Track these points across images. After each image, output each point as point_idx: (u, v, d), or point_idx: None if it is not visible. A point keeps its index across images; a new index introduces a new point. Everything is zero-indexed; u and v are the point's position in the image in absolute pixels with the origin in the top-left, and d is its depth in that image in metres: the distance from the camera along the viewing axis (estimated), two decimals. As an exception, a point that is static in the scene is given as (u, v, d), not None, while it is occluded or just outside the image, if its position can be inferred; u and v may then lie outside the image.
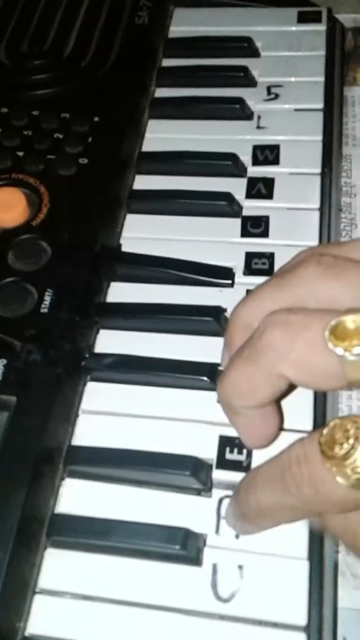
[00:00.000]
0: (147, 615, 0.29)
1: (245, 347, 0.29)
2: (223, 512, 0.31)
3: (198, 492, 0.32)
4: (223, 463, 0.32)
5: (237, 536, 0.30)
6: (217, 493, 0.32)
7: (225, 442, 0.33)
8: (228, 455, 0.32)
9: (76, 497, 0.32)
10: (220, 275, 0.39)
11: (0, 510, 0.30)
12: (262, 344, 0.27)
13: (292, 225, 0.40)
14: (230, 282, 0.38)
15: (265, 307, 0.29)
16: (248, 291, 0.37)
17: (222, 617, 0.29)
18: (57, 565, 0.30)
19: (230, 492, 0.31)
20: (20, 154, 0.43)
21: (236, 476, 0.32)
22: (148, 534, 0.30)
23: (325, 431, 0.25)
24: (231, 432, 0.33)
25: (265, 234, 0.40)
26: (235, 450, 0.32)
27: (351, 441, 0.25)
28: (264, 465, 0.28)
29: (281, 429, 0.33)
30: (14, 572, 0.29)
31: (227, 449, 0.32)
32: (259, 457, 0.32)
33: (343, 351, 0.25)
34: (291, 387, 0.29)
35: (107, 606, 0.29)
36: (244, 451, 0.32)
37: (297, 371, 0.27)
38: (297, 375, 0.27)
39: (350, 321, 0.25)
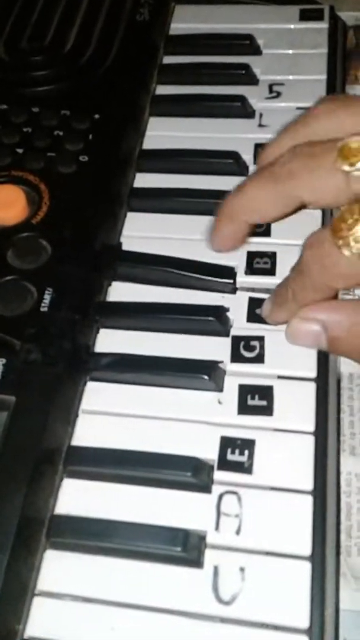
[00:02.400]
0: (147, 618, 0.29)
1: (265, 170, 0.34)
2: (223, 508, 0.31)
3: (198, 490, 0.32)
4: (224, 464, 0.32)
5: (237, 532, 0.30)
6: (216, 489, 0.31)
7: (227, 443, 0.32)
8: (229, 456, 0.32)
9: (76, 497, 0.32)
10: (222, 274, 0.38)
11: (-1, 511, 0.29)
12: (285, 170, 0.33)
13: (294, 224, 0.40)
14: (231, 281, 0.38)
15: (287, 144, 0.34)
16: (250, 291, 0.37)
17: (223, 620, 0.28)
18: (57, 567, 0.30)
19: (230, 488, 0.31)
20: (20, 151, 0.43)
21: (237, 477, 0.32)
22: (148, 535, 0.30)
23: (337, 215, 0.30)
24: (233, 433, 0.33)
25: (267, 232, 0.40)
26: (237, 451, 0.32)
27: (355, 216, 0.29)
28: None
29: (283, 430, 0.33)
30: (13, 574, 0.29)
31: (229, 450, 0.32)
32: (261, 459, 0.32)
33: (349, 167, 0.30)
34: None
35: (107, 608, 0.29)
36: (246, 452, 0.32)
37: (313, 193, 0.33)
38: (313, 197, 0.33)
39: (353, 141, 0.30)
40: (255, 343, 0.36)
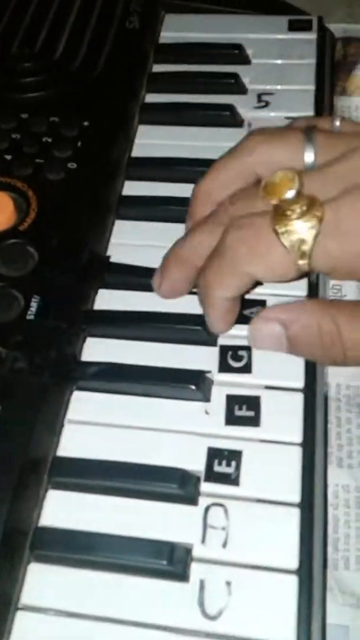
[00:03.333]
0: (132, 633, 0.28)
1: (209, 218, 0.35)
2: (210, 521, 0.30)
3: (184, 502, 0.31)
4: (211, 475, 0.32)
5: (224, 545, 0.30)
6: (203, 501, 0.31)
7: (214, 454, 0.32)
8: (216, 468, 0.32)
9: (61, 509, 0.31)
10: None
11: (-18, 523, 0.29)
12: (227, 217, 0.34)
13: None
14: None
15: (222, 178, 0.36)
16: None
17: (209, 635, 0.28)
18: (41, 581, 0.30)
19: (217, 500, 0.31)
20: (9, 157, 0.42)
21: (224, 489, 0.31)
22: (134, 548, 0.30)
23: (280, 202, 0.30)
24: (220, 444, 0.32)
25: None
26: (224, 462, 0.32)
27: (300, 209, 0.30)
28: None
29: (271, 441, 0.32)
30: (-4, 587, 0.28)
31: (216, 461, 0.32)
32: (248, 471, 0.32)
33: (277, 201, 0.30)
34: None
35: (92, 623, 0.28)
36: (233, 463, 0.32)
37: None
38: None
39: (276, 177, 0.31)
40: (243, 353, 0.35)
